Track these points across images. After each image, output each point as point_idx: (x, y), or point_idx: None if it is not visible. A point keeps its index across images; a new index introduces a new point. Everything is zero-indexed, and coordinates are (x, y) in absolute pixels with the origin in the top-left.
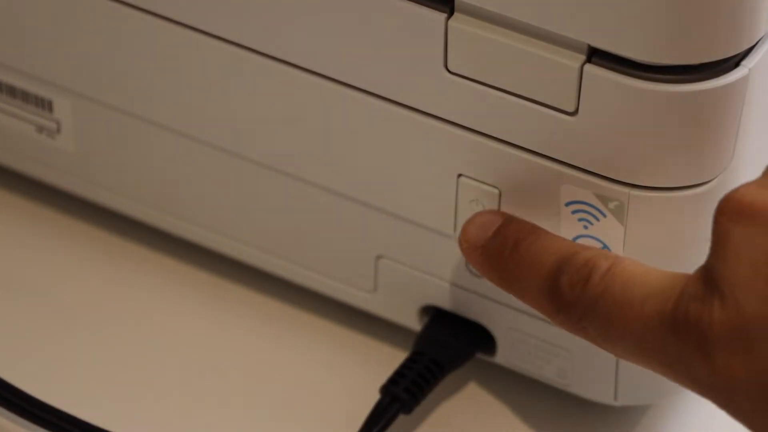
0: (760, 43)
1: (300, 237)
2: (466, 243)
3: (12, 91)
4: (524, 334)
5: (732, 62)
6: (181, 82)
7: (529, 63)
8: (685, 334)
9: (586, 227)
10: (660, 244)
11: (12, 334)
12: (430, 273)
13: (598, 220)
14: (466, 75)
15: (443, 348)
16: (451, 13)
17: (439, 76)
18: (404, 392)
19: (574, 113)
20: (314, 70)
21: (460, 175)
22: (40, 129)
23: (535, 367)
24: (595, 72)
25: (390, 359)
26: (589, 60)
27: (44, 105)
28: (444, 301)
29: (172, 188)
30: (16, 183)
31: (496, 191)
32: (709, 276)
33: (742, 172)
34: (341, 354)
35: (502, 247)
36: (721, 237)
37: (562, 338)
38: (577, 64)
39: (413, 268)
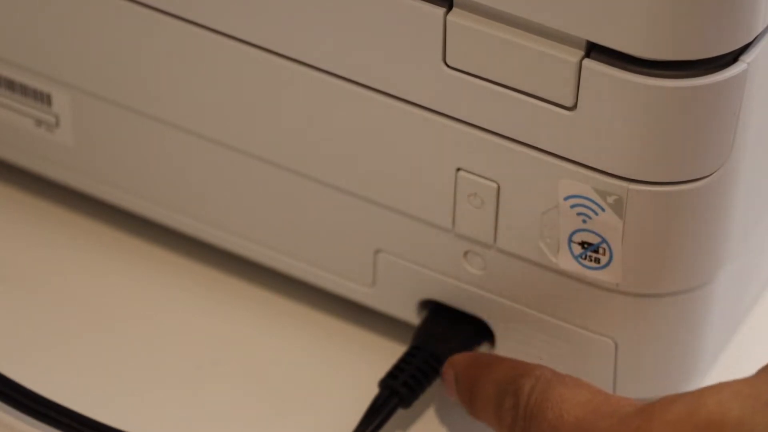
0: (759, 38)
1: (299, 231)
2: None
3: (11, 85)
4: (522, 327)
5: (731, 57)
6: (180, 76)
7: (528, 58)
8: None
9: (584, 221)
10: (659, 238)
11: (10, 329)
12: (429, 267)
13: (597, 214)
14: (464, 69)
15: (442, 342)
16: (449, 8)
17: (437, 71)
18: (403, 386)
19: (573, 108)
20: (312, 64)
21: (458, 169)
22: (39, 123)
23: (533, 361)
24: (593, 67)
25: (388, 353)
26: (587, 55)
27: (43, 99)
28: (442, 295)
29: (170, 182)
30: (14, 177)
31: (495, 185)
32: None
33: (741, 166)
34: (340, 348)
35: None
36: None
37: (560, 333)
38: (575, 59)
39: (412, 262)
